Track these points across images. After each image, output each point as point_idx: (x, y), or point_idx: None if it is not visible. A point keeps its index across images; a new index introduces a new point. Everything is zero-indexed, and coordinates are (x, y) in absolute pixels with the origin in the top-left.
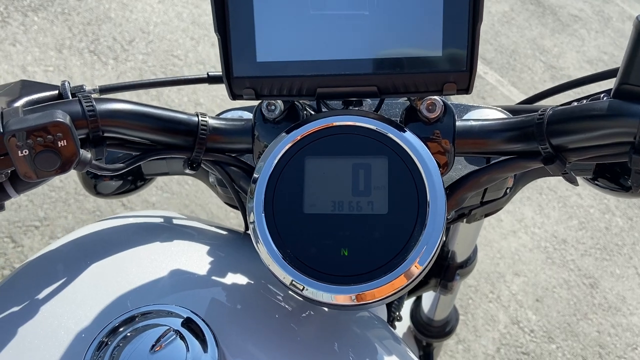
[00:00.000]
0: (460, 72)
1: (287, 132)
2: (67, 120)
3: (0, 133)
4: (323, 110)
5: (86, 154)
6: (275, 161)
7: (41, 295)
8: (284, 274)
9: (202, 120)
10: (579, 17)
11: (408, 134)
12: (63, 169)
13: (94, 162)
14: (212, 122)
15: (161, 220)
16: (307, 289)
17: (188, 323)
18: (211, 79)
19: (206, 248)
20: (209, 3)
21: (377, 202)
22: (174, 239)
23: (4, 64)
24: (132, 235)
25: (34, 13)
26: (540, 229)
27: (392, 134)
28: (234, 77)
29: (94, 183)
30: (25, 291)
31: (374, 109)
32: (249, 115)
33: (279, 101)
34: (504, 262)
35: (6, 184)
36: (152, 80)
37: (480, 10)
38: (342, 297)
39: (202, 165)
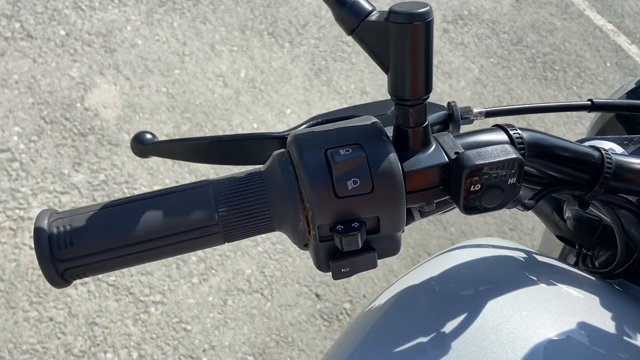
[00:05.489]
0: None
1: None
2: (520, 156)
3: (445, 163)
4: None
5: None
6: None
7: (437, 330)
8: None
9: (606, 156)
10: None
11: None
12: (500, 207)
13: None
14: (617, 158)
15: (521, 254)
16: None
17: None
18: (595, 107)
19: (591, 297)
20: None
21: None
22: (555, 283)
23: (196, 41)
24: (512, 272)
25: None
26: None
27: None
28: None
29: None
30: (418, 320)
31: None
32: (618, 149)
33: None
34: None
35: (416, 210)
36: (533, 105)
37: None
38: None
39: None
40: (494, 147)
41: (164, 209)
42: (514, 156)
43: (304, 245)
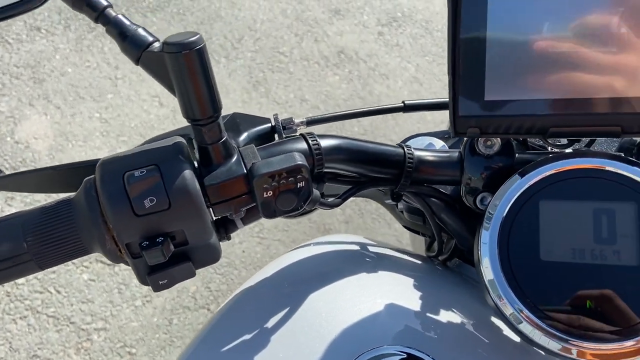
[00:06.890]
0: None
1: (521, 175)
2: (305, 162)
3: (244, 174)
4: (540, 147)
5: (316, 192)
6: (510, 204)
7: (260, 328)
8: (525, 324)
9: (408, 153)
10: None
11: None
12: (297, 208)
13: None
14: (418, 154)
15: (357, 247)
16: (544, 338)
17: None
18: (407, 108)
19: (408, 279)
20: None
21: (624, 252)
22: (377, 270)
23: (129, 64)
24: (339, 264)
25: (152, 14)
26: None
27: None
28: (460, 116)
29: None
30: (245, 321)
31: (584, 146)
32: (438, 142)
33: (498, 138)
34: None
35: (237, 218)
36: (352, 111)
37: None
38: (584, 353)
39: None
40: (282, 156)
41: None
42: (298, 163)
43: (126, 263)
